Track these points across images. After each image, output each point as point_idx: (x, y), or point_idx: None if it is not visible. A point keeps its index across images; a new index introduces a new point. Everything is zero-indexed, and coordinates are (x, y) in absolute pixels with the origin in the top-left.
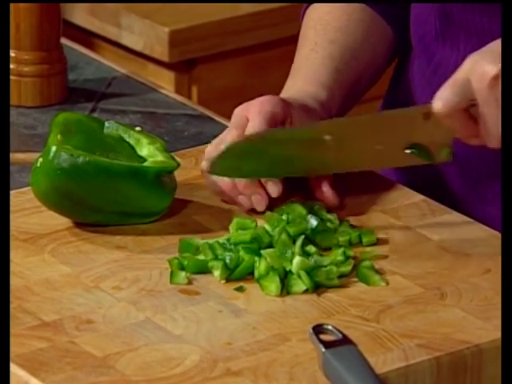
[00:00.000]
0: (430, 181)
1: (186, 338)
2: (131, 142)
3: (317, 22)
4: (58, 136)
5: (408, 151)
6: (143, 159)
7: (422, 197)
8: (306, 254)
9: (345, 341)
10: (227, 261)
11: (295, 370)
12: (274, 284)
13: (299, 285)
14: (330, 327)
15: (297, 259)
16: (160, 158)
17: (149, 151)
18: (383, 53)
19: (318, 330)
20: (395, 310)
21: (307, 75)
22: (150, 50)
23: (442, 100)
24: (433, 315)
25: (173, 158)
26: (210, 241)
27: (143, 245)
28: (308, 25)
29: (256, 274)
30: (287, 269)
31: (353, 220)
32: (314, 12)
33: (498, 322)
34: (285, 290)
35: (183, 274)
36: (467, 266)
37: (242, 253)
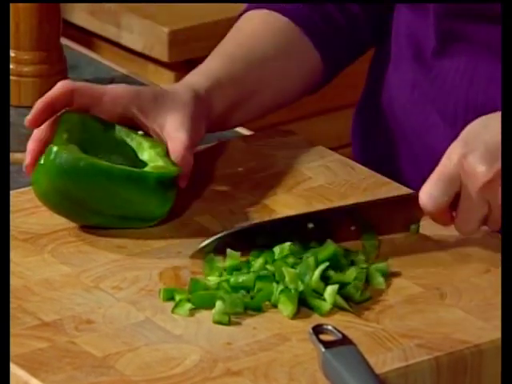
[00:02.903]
0: (422, 181)
1: (186, 338)
2: (133, 145)
3: (238, 27)
4: (64, 135)
5: None
6: (144, 163)
7: None
8: (325, 277)
9: (344, 341)
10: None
11: (295, 370)
12: (289, 307)
13: (325, 305)
14: (329, 327)
15: (329, 289)
16: (161, 163)
17: (150, 156)
18: (304, 70)
19: (318, 330)
20: (395, 310)
21: (199, 68)
22: (150, 50)
23: (431, 199)
24: (432, 315)
25: (174, 164)
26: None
27: (143, 245)
28: (230, 31)
29: (272, 298)
30: (299, 288)
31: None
32: (245, 19)
33: (498, 321)
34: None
35: (188, 305)
36: (467, 266)
37: (258, 284)
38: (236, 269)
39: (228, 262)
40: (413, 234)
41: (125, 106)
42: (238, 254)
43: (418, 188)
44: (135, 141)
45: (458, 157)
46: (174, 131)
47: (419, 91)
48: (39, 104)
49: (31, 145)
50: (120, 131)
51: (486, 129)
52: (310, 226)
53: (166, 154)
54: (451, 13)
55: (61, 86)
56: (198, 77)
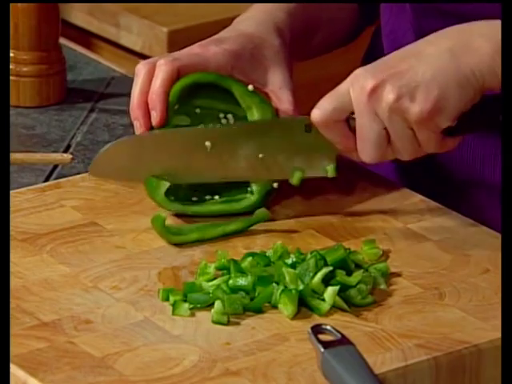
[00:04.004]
0: (427, 182)
1: (185, 338)
2: (242, 105)
3: None
4: (176, 106)
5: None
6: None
7: (421, 197)
8: (326, 279)
9: (343, 341)
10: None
11: (294, 370)
12: (290, 307)
13: (324, 305)
14: (328, 327)
15: (329, 289)
16: None
17: None
18: (346, 20)
19: (317, 330)
20: (394, 310)
21: (269, 3)
22: (149, 50)
23: (320, 110)
24: (431, 315)
25: None
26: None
27: (142, 245)
28: None
29: (273, 299)
30: (298, 288)
31: (352, 220)
32: None
33: (497, 321)
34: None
35: (186, 305)
36: (466, 266)
37: (258, 287)
38: (224, 268)
39: (217, 263)
40: (333, 173)
41: (228, 72)
42: (226, 253)
43: (416, 187)
44: (245, 102)
45: (350, 76)
46: (278, 89)
47: None
48: (156, 90)
49: (141, 111)
50: (232, 84)
51: (387, 55)
52: (207, 143)
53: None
54: (428, 12)
55: (165, 65)
56: (277, 11)
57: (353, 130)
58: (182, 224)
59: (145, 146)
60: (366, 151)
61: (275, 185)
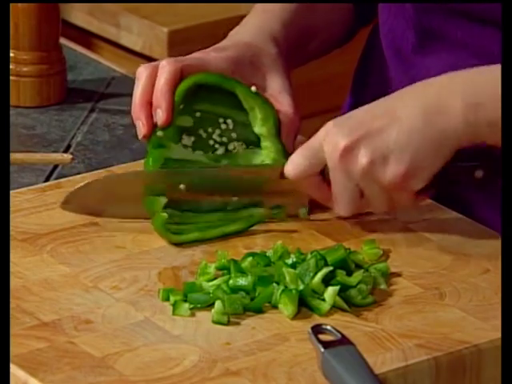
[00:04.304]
0: None
1: (185, 338)
2: (246, 106)
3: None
4: (181, 106)
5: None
6: (256, 138)
7: None
8: (326, 279)
9: (344, 341)
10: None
11: (294, 370)
12: (290, 307)
13: (324, 305)
14: (328, 327)
15: (330, 290)
16: (271, 152)
17: (261, 131)
18: (342, 21)
19: (317, 330)
20: (394, 310)
21: (266, 10)
22: (149, 50)
23: (293, 165)
24: (432, 315)
25: (283, 152)
26: (216, 282)
27: (142, 245)
28: None
29: (273, 299)
30: (299, 288)
31: (352, 220)
32: None
33: (497, 321)
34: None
35: (186, 305)
36: (466, 266)
37: (258, 288)
38: (224, 268)
39: (217, 263)
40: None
41: (228, 75)
42: (226, 253)
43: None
44: (248, 103)
45: (323, 130)
46: (278, 94)
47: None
48: (161, 88)
49: (144, 112)
50: (235, 86)
51: (361, 108)
52: (182, 186)
53: (278, 130)
54: (429, 9)
55: (169, 65)
56: (271, 22)
57: (327, 181)
58: (182, 224)
59: (118, 185)
60: (341, 205)
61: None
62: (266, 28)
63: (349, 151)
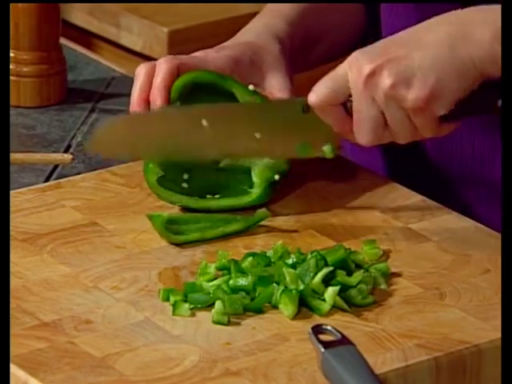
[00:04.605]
0: (427, 182)
1: (185, 338)
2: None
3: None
4: (177, 103)
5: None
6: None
7: (421, 197)
8: (326, 279)
9: (344, 341)
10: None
11: (294, 370)
12: (290, 307)
13: (324, 306)
14: (329, 327)
15: (330, 290)
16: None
17: None
18: (354, 24)
19: (317, 330)
20: (394, 310)
21: (273, 12)
22: (149, 50)
23: (317, 93)
24: (432, 315)
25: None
26: (217, 282)
27: (142, 245)
28: None
29: (273, 299)
30: (299, 288)
31: (352, 220)
32: None
33: (497, 322)
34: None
35: (186, 305)
36: (466, 266)
37: (258, 288)
38: (224, 268)
39: (217, 263)
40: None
41: (226, 74)
42: (227, 253)
43: (415, 187)
44: (245, 101)
45: (348, 59)
46: (278, 92)
47: None
48: (157, 85)
49: (141, 109)
50: (232, 84)
51: (385, 39)
52: (204, 122)
53: None
54: (430, 7)
55: (166, 63)
56: (276, 21)
57: (350, 112)
58: (183, 224)
59: (142, 123)
60: (363, 134)
61: (276, 177)
62: (271, 27)
63: (373, 76)
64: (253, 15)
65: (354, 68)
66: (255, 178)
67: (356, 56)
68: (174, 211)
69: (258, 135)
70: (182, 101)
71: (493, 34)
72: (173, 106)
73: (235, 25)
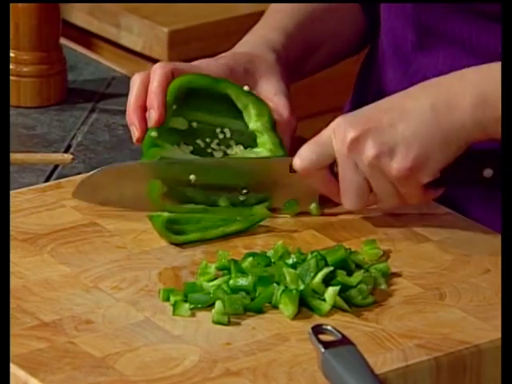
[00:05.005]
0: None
1: (185, 338)
2: (239, 105)
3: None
4: (173, 106)
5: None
6: (252, 133)
7: None
8: (326, 279)
9: (344, 341)
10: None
11: (294, 370)
12: (290, 307)
13: (325, 306)
14: (329, 327)
15: (330, 290)
16: (268, 144)
17: (256, 127)
18: (352, 31)
19: (318, 330)
20: (394, 311)
21: (269, 24)
22: (149, 50)
23: (302, 158)
24: (432, 315)
25: (280, 144)
26: (217, 282)
27: (142, 245)
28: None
29: (273, 299)
30: (299, 288)
31: (353, 220)
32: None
33: (498, 322)
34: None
35: (186, 305)
36: (466, 266)
37: (258, 288)
38: (224, 268)
39: (217, 263)
40: (316, 212)
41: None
42: (227, 253)
43: None
44: (241, 102)
45: (333, 124)
46: (273, 96)
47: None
48: (153, 90)
49: (137, 116)
50: (227, 86)
51: (369, 105)
52: (192, 177)
53: (273, 124)
54: (428, 6)
55: (160, 68)
56: (272, 33)
57: (335, 175)
58: (183, 224)
59: (128, 175)
60: (349, 199)
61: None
62: (267, 39)
63: (356, 143)
64: (252, 15)
65: (338, 134)
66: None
67: (340, 122)
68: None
69: (245, 191)
70: (178, 104)
71: (474, 101)
72: (171, 128)
73: (235, 25)
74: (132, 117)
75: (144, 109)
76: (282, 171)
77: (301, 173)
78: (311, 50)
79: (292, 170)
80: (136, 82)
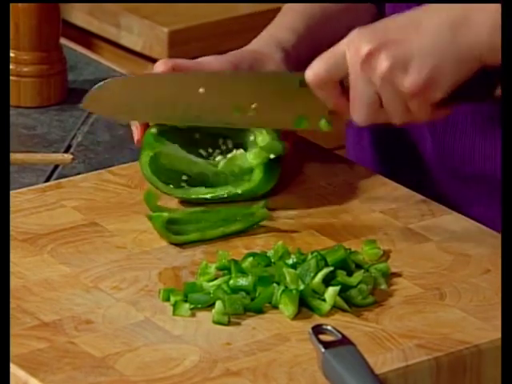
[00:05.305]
0: (418, 180)
1: (186, 338)
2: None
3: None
4: None
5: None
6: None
7: (421, 197)
8: (326, 279)
9: (344, 341)
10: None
11: (294, 370)
12: (291, 307)
13: (325, 306)
14: (329, 327)
15: (330, 290)
16: (267, 138)
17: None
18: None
19: (318, 330)
20: (394, 311)
21: (280, 24)
22: (149, 50)
23: (314, 70)
24: (432, 315)
25: (278, 138)
26: (217, 282)
27: (142, 245)
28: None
29: (273, 299)
30: (299, 288)
31: (352, 220)
32: None
33: (498, 322)
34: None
35: (186, 305)
36: (466, 266)
37: (258, 288)
38: (224, 268)
39: (217, 263)
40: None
41: None
42: (227, 253)
43: (415, 187)
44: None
45: (348, 37)
46: None
47: None
48: None
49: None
50: None
51: (385, 19)
52: (201, 90)
53: None
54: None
55: (162, 65)
56: (282, 32)
57: (346, 90)
58: (183, 224)
59: (140, 86)
60: (358, 113)
61: (272, 156)
62: (277, 37)
63: (370, 57)
64: (252, 15)
65: (352, 47)
66: (252, 160)
67: (355, 35)
68: (174, 207)
69: (254, 105)
70: None
71: (492, 22)
72: (171, 74)
73: (235, 25)
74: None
75: None
76: (292, 85)
77: (312, 84)
78: (324, 49)
79: (302, 84)
80: None
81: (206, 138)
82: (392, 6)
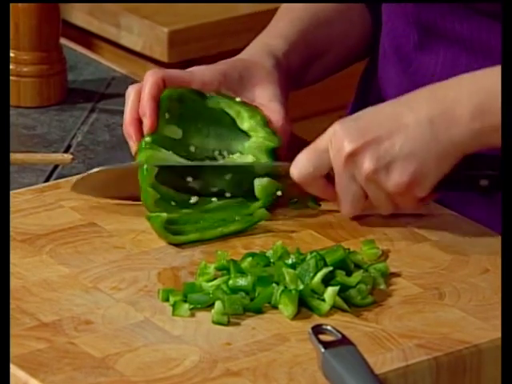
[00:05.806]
0: None
1: (185, 338)
2: (232, 113)
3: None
4: (166, 115)
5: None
6: (245, 133)
7: None
8: (325, 279)
9: (344, 341)
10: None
11: (294, 371)
12: (290, 307)
13: (324, 306)
14: (329, 327)
15: (329, 290)
16: (261, 133)
17: (250, 125)
18: (360, 33)
19: (318, 330)
20: (394, 311)
21: (271, 29)
22: (150, 50)
23: (298, 169)
24: (431, 315)
25: (274, 134)
26: (216, 283)
27: (141, 245)
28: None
29: (273, 299)
30: (298, 288)
31: (352, 220)
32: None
33: (497, 321)
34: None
35: (186, 305)
36: (466, 266)
37: (258, 288)
38: (224, 268)
39: (216, 263)
40: (313, 208)
41: (214, 89)
42: (226, 253)
43: None
44: (234, 109)
45: (330, 132)
46: (268, 102)
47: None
48: (145, 97)
49: (134, 128)
50: (218, 101)
51: (368, 110)
52: (189, 179)
53: (266, 122)
54: (429, 4)
55: (152, 75)
56: (274, 40)
57: (332, 179)
58: (182, 224)
59: (124, 175)
60: (345, 206)
61: (279, 193)
62: (268, 45)
63: (354, 157)
64: (252, 16)
65: (335, 145)
66: (250, 151)
67: (337, 130)
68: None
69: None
70: (170, 113)
71: (472, 112)
72: (165, 136)
73: (235, 25)
74: (129, 129)
75: (140, 121)
76: (278, 176)
77: (298, 181)
78: (316, 56)
79: (288, 175)
80: (130, 94)
81: (202, 152)
82: (388, 7)
